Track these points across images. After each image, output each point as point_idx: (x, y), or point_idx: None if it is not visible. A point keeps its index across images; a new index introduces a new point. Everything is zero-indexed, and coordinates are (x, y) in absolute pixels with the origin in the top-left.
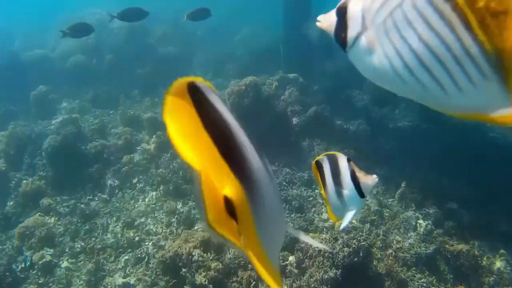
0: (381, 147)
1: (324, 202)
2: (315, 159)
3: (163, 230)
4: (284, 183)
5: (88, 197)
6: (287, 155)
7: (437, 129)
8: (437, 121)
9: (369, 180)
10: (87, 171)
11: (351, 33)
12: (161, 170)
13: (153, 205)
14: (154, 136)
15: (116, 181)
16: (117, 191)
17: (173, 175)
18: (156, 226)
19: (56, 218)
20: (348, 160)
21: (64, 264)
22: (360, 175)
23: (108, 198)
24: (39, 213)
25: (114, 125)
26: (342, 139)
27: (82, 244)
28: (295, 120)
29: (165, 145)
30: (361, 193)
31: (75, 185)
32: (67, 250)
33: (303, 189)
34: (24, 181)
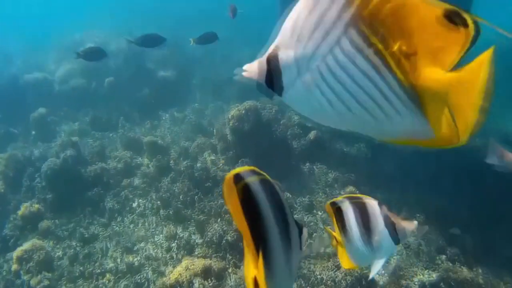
0: (381, 170)
1: (334, 245)
2: (331, 201)
3: (163, 255)
4: None
5: (87, 221)
6: (288, 179)
7: (435, 149)
8: None
9: (409, 226)
10: (86, 195)
11: (288, 79)
12: (161, 194)
13: (153, 230)
14: (153, 160)
15: (116, 205)
16: (116, 215)
17: (173, 199)
18: (156, 251)
19: (55, 242)
20: (380, 205)
21: None
22: (398, 221)
23: (107, 222)
24: (37, 236)
25: (113, 148)
26: (342, 162)
27: (81, 268)
28: (295, 144)
29: (165, 169)
30: (396, 240)
31: (74, 209)
32: (65, 274)
33: (304, 214)
34: (23, 203)
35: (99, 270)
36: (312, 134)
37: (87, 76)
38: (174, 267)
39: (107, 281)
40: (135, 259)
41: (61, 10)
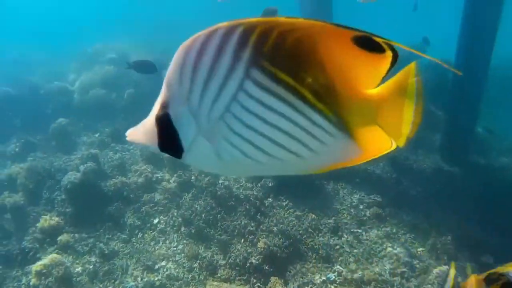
0: (406, 191)
1: None
2: (489, 272)
3: (185, 276)
4: (310, 230)
5: (107, 236)
6: (312, 199)
7: (460, 171)
8: (459, 163)
9: None
10: (106, 209)
11: (187, 137)
12: (182, 211)
13: (174, 248)
14: (175, 175)
15: (137, 221)
16: (137, 231)
17: (195, 217)
18: (177, 270)
19: (74, 257)
20: None
21: None
22: None
23: (128, 238)
24: (56, 250)
25: (134, 162)
26: (366, 182)
27: (101, 286)
28: None
29: (187, 185)
30: None
31: (94, 223)
32: None
33: (329, 237)
34: (43, 216)
35: None
36: None
37: (107, 87)
38: None
39: None
40: (156, 278)
41: (80, 21)
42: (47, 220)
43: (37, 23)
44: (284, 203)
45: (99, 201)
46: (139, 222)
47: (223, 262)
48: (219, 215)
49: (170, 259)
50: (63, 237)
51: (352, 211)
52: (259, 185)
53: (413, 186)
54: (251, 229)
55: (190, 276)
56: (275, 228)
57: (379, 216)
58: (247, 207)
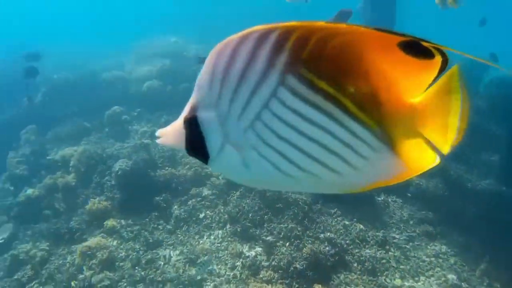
0: (459, 210)
1: None
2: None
3: (227, 273)
4: (357, 240)
5: (152, 225)
6: (361, 210)
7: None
8: None
9: None
10: (154, 199)
11: (214, 143)
12: (229, 208)
13: (218, 244)
14: None
15: (183, 213)
16: (182, 223)
17: (242, 216)
18: (219, 267)
19: (119, 242)
20: None
21: None
22: None
23: (172, 230)
24: (102, 233)
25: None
26: (418, 198)
27: (143, 273)
28: None
29: (235, 182)
30: None
31: (140, 211)
32: (126, 277)
33: (376, 250)
34: (92, 199)
35: (160, 278)
36: None
37: (163, 79)
38: (237, 286)
39: None
40: (198, 273)
41: (142, 15)
42: (96, 203)
43: (105, 22)
44: (333, 211)
45: (147, 190)
46: (185, 215)
47: (267, 263)
48: (266, 216)
49: (213, 254)
50: (109, 222)
51: (402, 225)
52: None
53: (467, 206)
54: (298, 233)
55: (232, 274)
56: (321, 235)
57: (430, 234)
58: (295, 211)
